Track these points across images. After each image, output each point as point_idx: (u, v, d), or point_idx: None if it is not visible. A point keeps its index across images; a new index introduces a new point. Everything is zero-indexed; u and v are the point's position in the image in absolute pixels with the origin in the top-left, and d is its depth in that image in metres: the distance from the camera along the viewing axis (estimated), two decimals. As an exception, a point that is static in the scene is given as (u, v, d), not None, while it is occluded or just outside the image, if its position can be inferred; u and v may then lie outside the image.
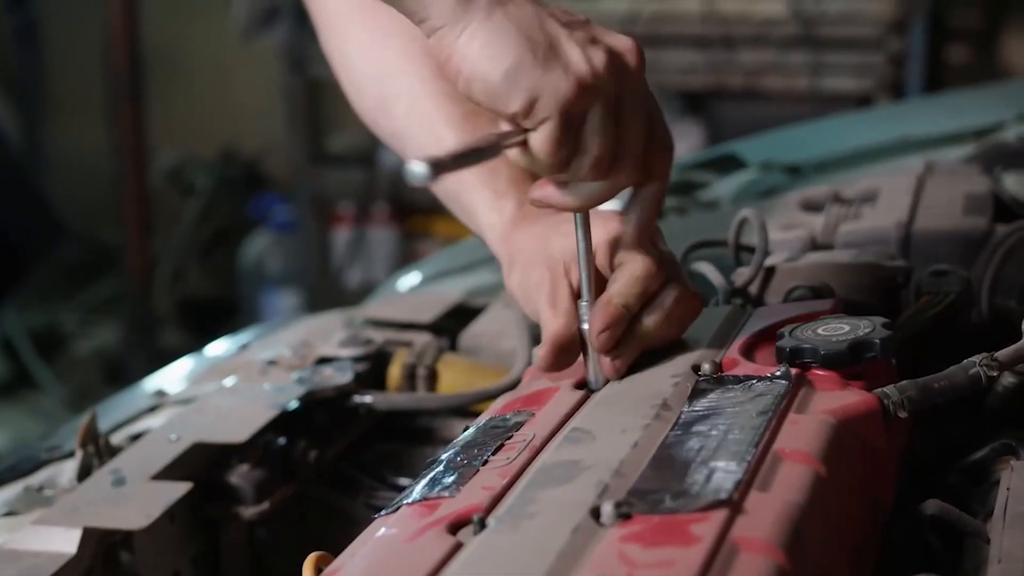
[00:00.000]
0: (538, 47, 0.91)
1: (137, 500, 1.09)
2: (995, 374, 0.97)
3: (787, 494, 0.80)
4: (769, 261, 1.26)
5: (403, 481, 1.26)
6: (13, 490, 1.20)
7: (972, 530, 0.91)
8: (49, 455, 1.26)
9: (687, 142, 4.19)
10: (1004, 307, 1.22)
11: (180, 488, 1.11)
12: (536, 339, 1.33)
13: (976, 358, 0.97)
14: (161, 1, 5.13)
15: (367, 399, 1.30)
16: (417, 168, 0.85)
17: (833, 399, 0.93)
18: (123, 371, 4.66)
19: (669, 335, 1.03)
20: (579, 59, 0.92)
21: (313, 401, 1.28)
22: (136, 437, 1.27)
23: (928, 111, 2.70)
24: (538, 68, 0.91)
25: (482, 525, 0.81)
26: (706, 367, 0.99)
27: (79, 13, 5.27)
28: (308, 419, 1.28)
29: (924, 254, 1.34)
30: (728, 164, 2.28)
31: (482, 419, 1.01)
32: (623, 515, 0.77)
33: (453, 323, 1.54)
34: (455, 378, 1.40)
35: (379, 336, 1.45)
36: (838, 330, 0.99)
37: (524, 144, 0.93)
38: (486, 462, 0.91)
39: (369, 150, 4.62)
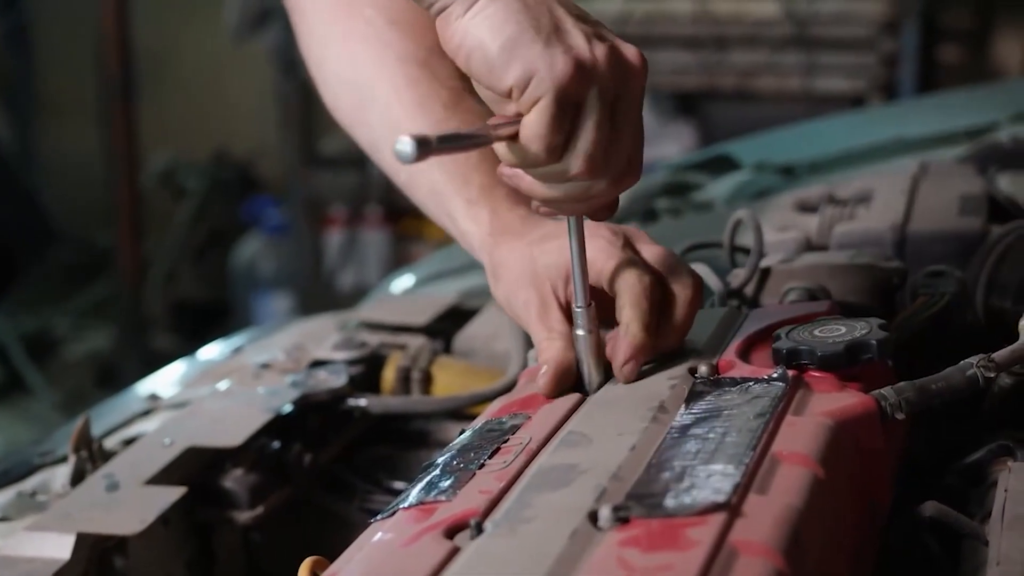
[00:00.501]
0: (542, 27, 0.91)
1: (131, 505, 1.08)
2: (992, 375, 0.97)
3: (785, 497, 0.79)
4: (765, 263, 1.26)
5: (398, 485, 1.26)
6: (6, 496, 1.19)
7: (970, 532, 0.90)
8: (42, 460, 1.26)
9: (679, 143, 4.20)
10: (999, 308, 1.22)
11: (174, 493, 1.11)
12: (530, 343, 1.33)
13: (973, 359, 0.97)
14: (153, 4, 5.13)
15: (361, 402, 1.30)
16: (404, 146, 0.84)
17: (830, 401, 0.93)
18: (115, 375, 4.65)
19: (680, 341, 1.04)
20: (582, 43, 0.91)
21: (307, 405, 1.28)
22: (129, 441, 1.27)
23: (921, 112, 2.70)
24: (538, 43, 0.90)
25: (479, 530, 0.80)
26: (703, 369, 0.99)
27: (71, 15, 5.27)
28: (302, 423, 1.27)
29: (919, 255, 1.34)
30: (722, 165, 2.28)
31: (478, 422, 1.01)
32: (621, 519, 0.77)
33: (447, 325, 1.54)
34: (450, 381, 1.39)
35: (373, 339, 1.44)
36: (835, 332, 0.99)
37: (515, 137, 0.92)
38: (482, 466, 0.90)
39: (361, 153, 4.60)
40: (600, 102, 0.92)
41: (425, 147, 0.85)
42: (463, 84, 1.16)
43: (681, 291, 1.03)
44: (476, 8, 0.91)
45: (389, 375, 1.40)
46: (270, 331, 1.65)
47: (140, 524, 1.06)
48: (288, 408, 1.26)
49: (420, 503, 0.87)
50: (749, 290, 1.24)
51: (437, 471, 0.92)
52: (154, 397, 1.43)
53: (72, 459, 1.18)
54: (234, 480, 1.18)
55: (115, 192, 4.73)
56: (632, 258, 1.03)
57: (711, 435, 0.87)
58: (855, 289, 1.22)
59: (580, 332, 1.01)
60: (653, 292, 1.01)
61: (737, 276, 1.24)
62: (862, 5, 3.95)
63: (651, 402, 0.94)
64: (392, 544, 0.83)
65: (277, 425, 1.24)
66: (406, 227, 4.74)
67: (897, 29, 3.96)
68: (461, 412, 1.32)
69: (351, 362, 1.37)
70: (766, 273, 1.25)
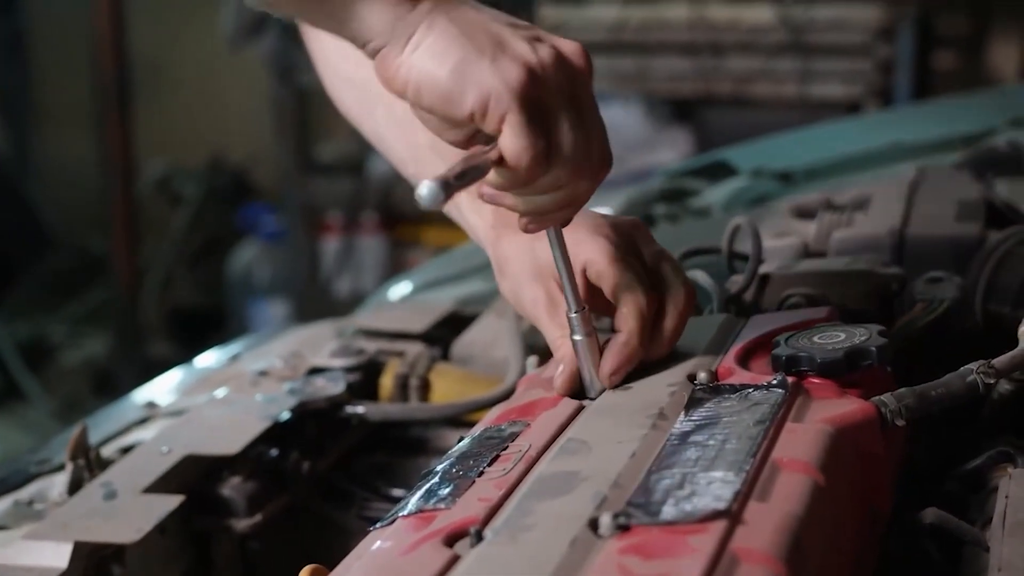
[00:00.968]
0: (485, 45, 0.90)
1: (128, 514, 1.08)
2: (992, 381, 0.97)
3: (786, 504, 0.79)
4: (763, 269, 1.26)
5: (397, 492, 1.26)
6: (3, 504, 1.19)
7: (971, 538, 0.90)
8: (39, 468, 1.25)
9: (676, 149, 4.20)
10: (998, 313, 1.22)
11: (172, 501, 1.11)
12: (529, 350, 1.33)
13: (973, 365, 0.97)
14: (149, 11, 5.13)
15: (359, 410, 1.30)
16: (427, 190, 0.85)
17: (830, 408, 0.93)
18: (112, 382, 4.64)
19: (669, 349, 1.04)
20: (526, 50, 0.91)
21: (305, 412, 1.27)
22: (127, 450, 1.26)
23: (918, 118, 2.71)
24: (485, 61, 0.89)
25: (479, 537, 0.80)
26: (702, 376, 0.99)
27: (66, 22, 5.26)
28: (300, 430, 1.27)
29: (917, 261, 1.34)
30: (719, 171, 2.28)
31: (477, 430, 1.00)
32: (621, 527, 0.77)
33: (445, 332, 1.54)
34: (448, 388, 1.39)
35: (371, 346, 1.44)
36: (834, 338, 0.99)
37: (500, 160, 0.91)
38: (482, 473, 0.90)
39: (358, 159, 4.62)
40: (564, 102, 0.91)
41: (447, 188, 0.86)
42: None
43: (675, 301, 1.03)
44: (414, 41, 0.90)
45: (387, 382, 1.40)
46: (267, 338, 1.65)
47: (137, 533, 1.06)
48: (286, 416, 1.26)
49: (419, 511, 0.87)
50: (748, 296, 1.24)
51: (436, 479, 0.92)
52: (151, 405, 1.42)
53: (69, 467, 1.18)
54: (232, 488, 1.17)
55: (111, 199, 4.72)
56: (633, 264, 1.03)
57: (711, 442, 0.87)
58: (854, 295, 1.21)
59: (578, 337, 1.01)
60: (652, 303, 1.02)
61: (736, 282, 1.24)
62: (858, 11, 3.95)
63: (650, 409, 0.94)
64: (391, 552, 0.83)
65: (275, 433, 1.24)
66: (403, 233, 4.73)
67: (893, 35, 3.97)
68: (459, 419, 1.32)
69: (349, 369, 1.37)
70: (765, 279, 1.25)
